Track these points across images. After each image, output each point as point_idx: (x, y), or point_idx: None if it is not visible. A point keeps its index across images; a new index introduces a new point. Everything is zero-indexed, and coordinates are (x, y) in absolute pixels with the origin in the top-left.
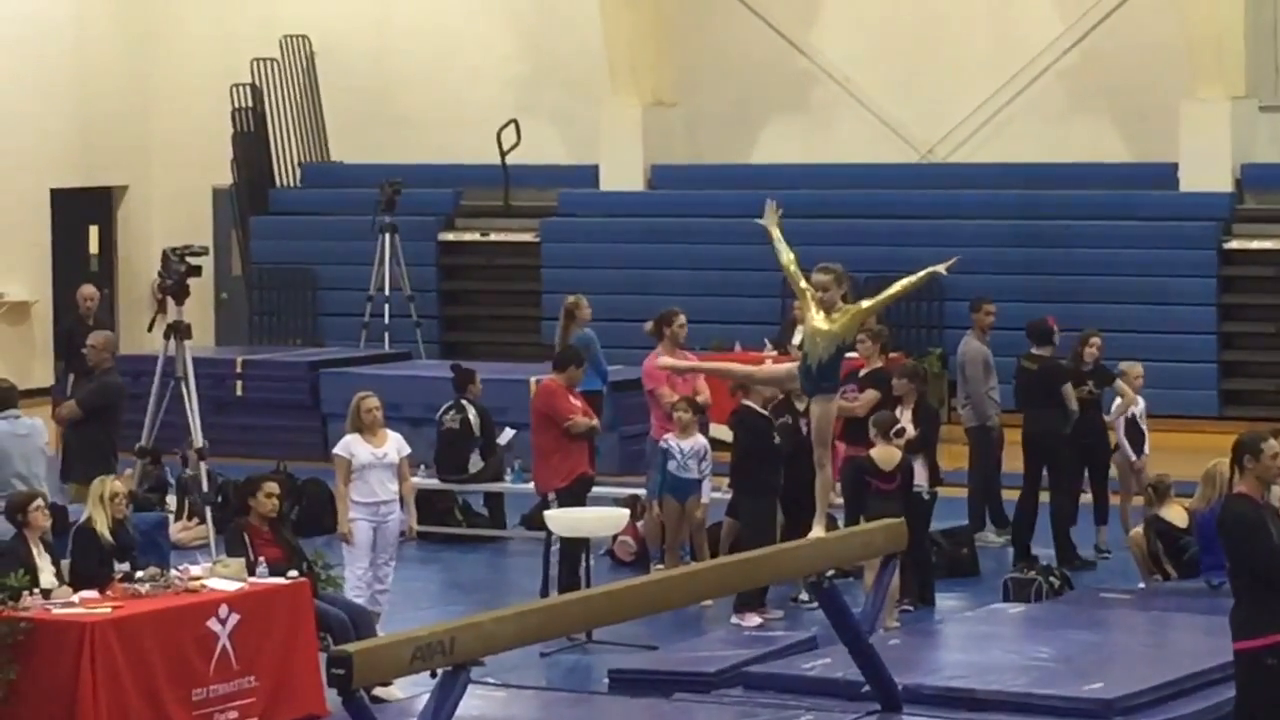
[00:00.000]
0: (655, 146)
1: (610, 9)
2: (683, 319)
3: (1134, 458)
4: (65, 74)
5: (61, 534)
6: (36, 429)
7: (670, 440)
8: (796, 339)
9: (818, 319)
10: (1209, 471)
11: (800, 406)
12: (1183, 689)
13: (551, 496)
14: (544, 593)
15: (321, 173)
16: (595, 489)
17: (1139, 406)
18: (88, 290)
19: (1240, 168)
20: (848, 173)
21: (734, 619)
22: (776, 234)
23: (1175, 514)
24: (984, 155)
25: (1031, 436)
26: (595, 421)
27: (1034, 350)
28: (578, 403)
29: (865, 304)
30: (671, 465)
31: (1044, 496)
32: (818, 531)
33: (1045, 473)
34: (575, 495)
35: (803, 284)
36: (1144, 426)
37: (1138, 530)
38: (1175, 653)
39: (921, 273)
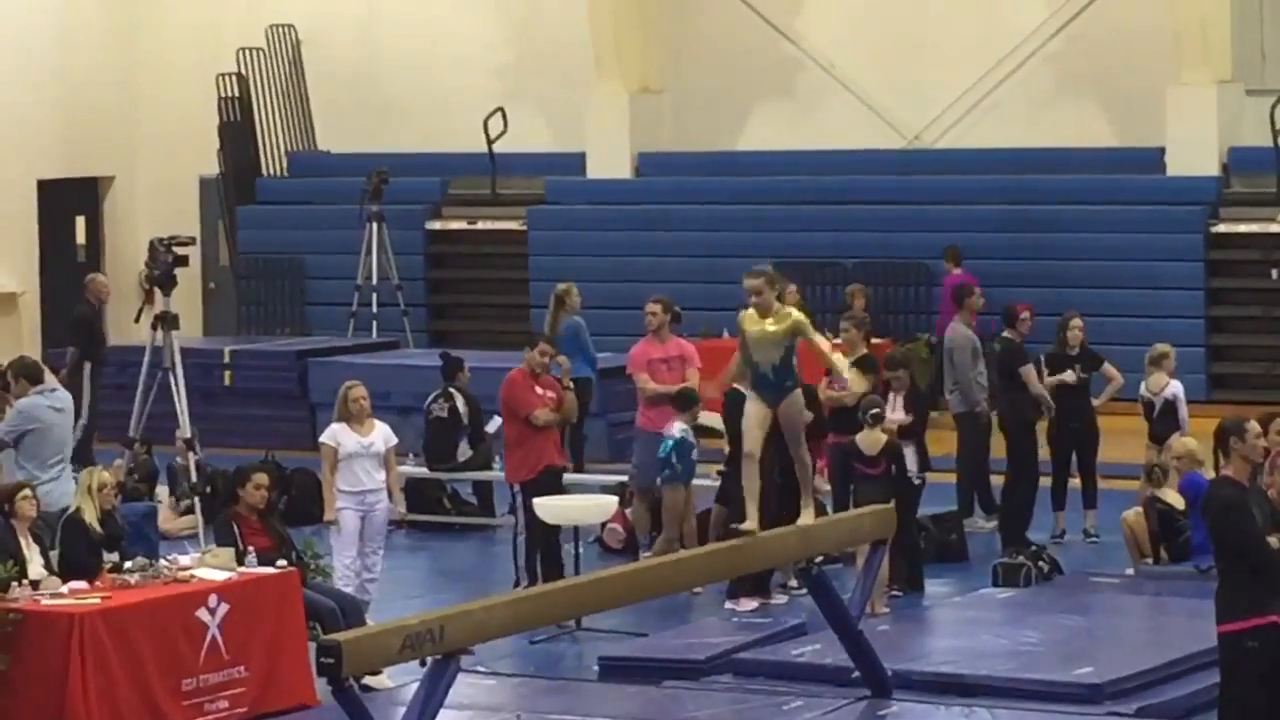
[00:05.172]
0: (642, 134)
1: None
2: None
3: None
4: (51, 65)
5: None
6: (69, 400)
7: (686, 432)
8: None
9: (754, 328)
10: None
11: (823, 394)
12: (1172, 673)
13: (516, 489)
14: (517, 583)
15: (308, 162)
16: (583, 476)
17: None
18: (104, 279)
19: (1227, 151)
20: (834, 159)
21: (728, 604)
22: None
23: (1173, 497)
24: (970, 141)
25: (999, 419)
26: (563, 408)
27: (1004, 333)
28: (548, 392)
29: (804, 323)
30: (695, 454)
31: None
32: (806, 518)
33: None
34: (541, 487)
35: (742, 327)
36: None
37: (1131, 512)
38: (1164, 637)
39: (843, 367)
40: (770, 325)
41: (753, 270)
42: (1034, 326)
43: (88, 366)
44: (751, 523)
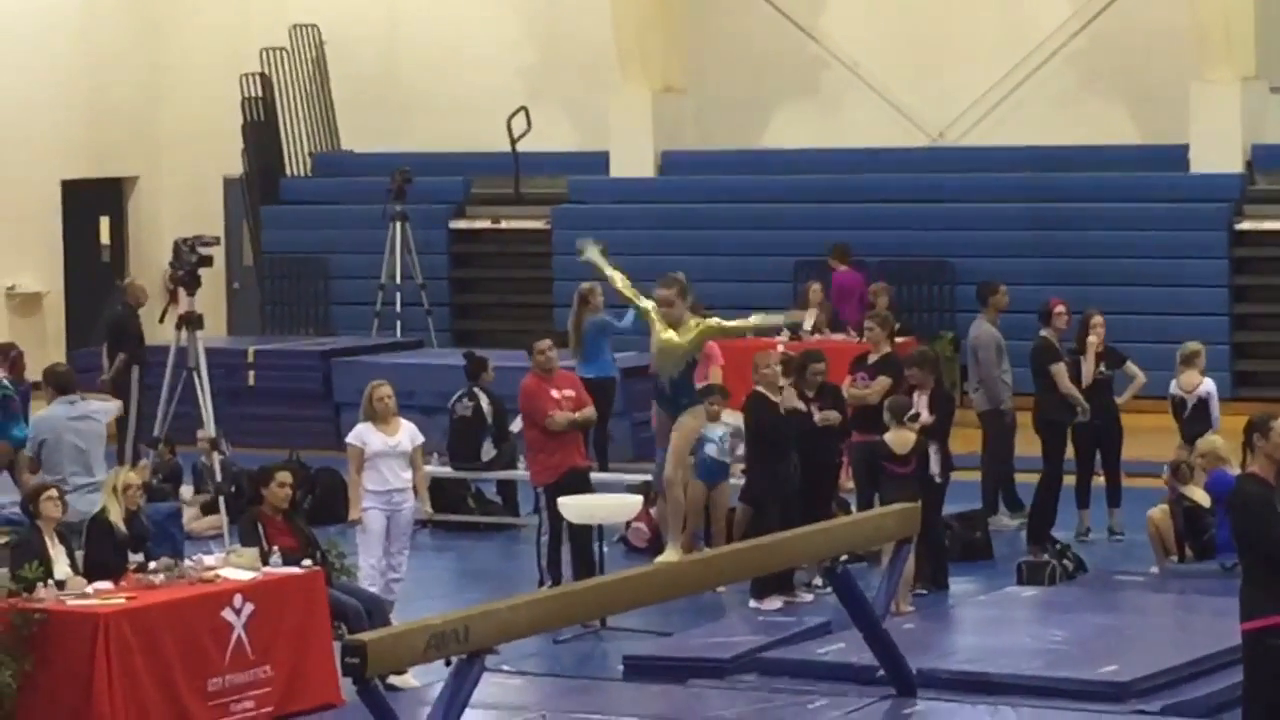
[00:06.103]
0: (665, 133)
1: None
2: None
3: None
4: (75, 65)
5: None
6: (97, 411)
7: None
8: (808, 324)
9: (665, 334)
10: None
11: (847, 393)
12: (1197, 671)
13: (539, 490)
14: (541, 584)
15: (332, 162)
16: (607, 475)
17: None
18: (142, 283)
19: (1251, 148)
20: (858, 157)
21: (753, 603)
22: (602, 263)
23: (1199, 495)
24: (994, 139)
25: (1034, 417)
26: (580, 414)
27: (1041, 331)
28: (566, 390)
29: (714, 322)
30: (712, 449)
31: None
32: (670, 556)
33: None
34: (564, 490)
35: (642, 303)
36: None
37: (1156, 510)
38: (1189, 635)
39: (775, 319)
40: (676, 337)
41: (665, 278)
42: (1070, 322)
43: (136, 370)
44: (671, 553)
